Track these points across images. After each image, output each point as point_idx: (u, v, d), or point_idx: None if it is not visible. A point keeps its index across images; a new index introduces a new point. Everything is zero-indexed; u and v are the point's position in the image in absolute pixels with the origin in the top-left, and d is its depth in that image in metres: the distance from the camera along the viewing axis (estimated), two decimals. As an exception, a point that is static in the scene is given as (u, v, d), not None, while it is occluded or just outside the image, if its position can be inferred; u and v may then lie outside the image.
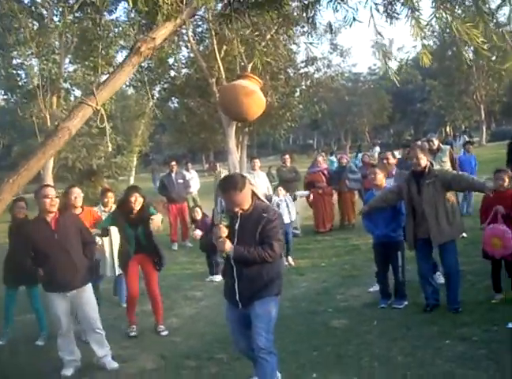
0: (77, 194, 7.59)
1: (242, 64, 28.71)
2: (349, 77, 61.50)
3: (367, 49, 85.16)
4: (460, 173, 7.70)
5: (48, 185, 6.72)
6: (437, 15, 3.84)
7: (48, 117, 19.96)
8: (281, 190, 11.52)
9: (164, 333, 7.52)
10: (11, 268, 7.27)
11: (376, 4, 3.93)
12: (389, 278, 7.78)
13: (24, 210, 7.72)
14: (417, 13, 3.81)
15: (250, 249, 4.68)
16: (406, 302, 7.55)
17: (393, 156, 8.91)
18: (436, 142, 11.80)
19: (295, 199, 11.89)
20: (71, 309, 6.40)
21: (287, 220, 10.76)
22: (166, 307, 8.21)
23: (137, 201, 7.30)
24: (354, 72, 58.63)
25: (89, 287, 6.44)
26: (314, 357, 6.13)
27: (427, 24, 4.03)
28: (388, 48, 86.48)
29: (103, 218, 7.98)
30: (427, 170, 7.05)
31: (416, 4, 3.80)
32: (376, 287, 8.06)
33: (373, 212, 7.63)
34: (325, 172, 14.25)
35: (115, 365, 6.42)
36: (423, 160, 7.08)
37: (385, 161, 8.82)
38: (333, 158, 28.57)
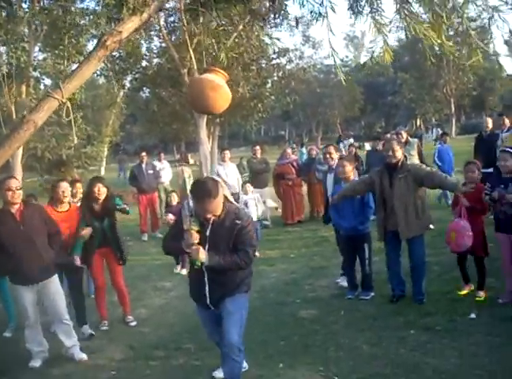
0: (65, 189, 7.32)
1: (214, 54, 28.82)
2: (321, 69, 61.67)
3: (340, 41, 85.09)
4: (433, 170, 7.74)
5: (11, 177, 6.59)
6: (398, 16, 3.93)
7: (13, 108, 19.74)
8: (249, 187, 11.63)
9: (133, 324, 7.55)
10: None
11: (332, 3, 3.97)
12: (356, 270, 7.88)
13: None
14: (378, 13, 3.90)
15: (225, 257, 4.57)
16: (373, 294, 7.64)
17: (336, 151, 8.93)
18: (405, 135, 12.01)
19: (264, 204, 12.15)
20: (38, 300, 6.37)
21: (255, 218, 10.92)
22: (134, 298, 8.26)
23: (100, 191, 7.27)
24: (326, 63, 58.68)
25: (56, 278, 6.41)
26: (282, 347, 6.22)
27: (387, 24, 4.11)
28: (360, 40, 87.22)
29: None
30: (400, 163, 7.08)
31: (377, 3, 3.88)
32: (343, 280, 8.16)
33: (340, 203, 7.69)
34: (295, 164, 14.36)
35: (84, 355, 6.43)
36: (399, 153, 7.10)
37: (327, 155, 8.75)
38: (304, 150, 28.74)
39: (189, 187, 4.80)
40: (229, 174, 13.02)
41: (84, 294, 7.65)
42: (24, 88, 22.17)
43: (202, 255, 4.50)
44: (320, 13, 4.27)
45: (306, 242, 11.90)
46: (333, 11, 4.29)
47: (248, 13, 4.17)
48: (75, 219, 7.25)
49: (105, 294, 7.66)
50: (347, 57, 76.63)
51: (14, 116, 18.72)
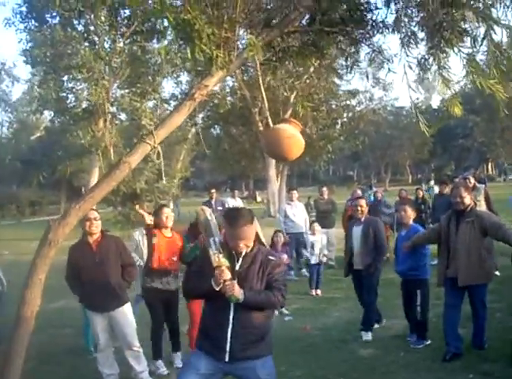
0: (168, 214, 7.29)
1: (285, 94, 29.46)
2: (391, 111, 61.66)
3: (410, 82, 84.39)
4: (500, 222, 7.17)
5: (91, 209, 6.97)
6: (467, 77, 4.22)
7: (111, 150, 20.80)
8: (317, 227, 11.85)
9: None
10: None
11: (409, 62, 4.28)
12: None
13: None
14: (445, 70, 4.19)
15: (260, 293, 4.17)
16: (427, 342, 7.52)
17: (367, 204, 8.66)
18: (472, 180, 12.02)
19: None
20: (110, 326, 6.69)
21: (316, 260, 11.26)
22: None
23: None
24: (396, 106, 58.68)
25: (126, 307, 6.67)
26: (341, 383, 6.42)
27: (454, 81, 4.38)
28: (431, 82, 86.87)
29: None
30: (469, 208, 6.92)
31: (444, 61, 4.18)
32: (366, 335, 8.08)
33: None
34: (365, 205, 14.48)
35: None
36: (467, 199, 6.91)
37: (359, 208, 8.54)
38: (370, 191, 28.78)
39: (213, 225, 4.47)
40: (296, 214, 13.17)
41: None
42: (101, 122, 23.31)
43: (237, 290, 4.04)
44: (389, 70, 4.61)
45: (370, 284, 11.97)
46: (410, 68, 4.56)
47: (323, 68, 4.50)
48: (178, 246, 7.30)
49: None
50: (417, 99, 76.20)
51: (112, 155, 19.66)
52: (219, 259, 4.09)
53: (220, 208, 14.83)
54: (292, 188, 15.14)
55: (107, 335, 6.72)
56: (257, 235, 4.42)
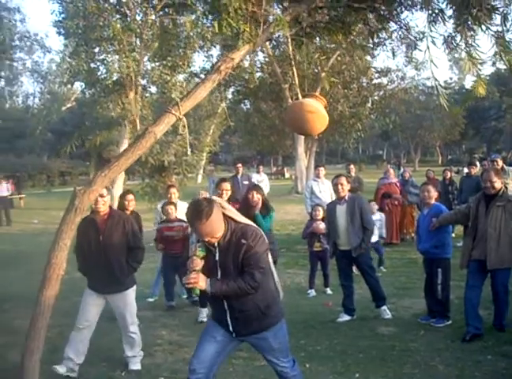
0: (225, 188, 8.12)
1: (316, 70, 29.30)
2: (423, 91, 60.91)
3: (445, 62, 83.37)
4: None
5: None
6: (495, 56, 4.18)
7: (138, 120, 20.93)
8: (375, 205, 11.87)
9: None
10: None
11: (432, 37, 4.24)
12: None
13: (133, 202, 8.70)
14: (473, 48, 4.16)
15: (229, 282, 4.14)
16: (448, 322, 7.54)
17: (348, 182, 8.19)
18: (500, 162, 11.88)
19: None
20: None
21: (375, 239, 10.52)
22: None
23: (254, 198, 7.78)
24: (428, 85, 57.90)
25: (128, 293, 6.39)
26: (360, 358, 6.46)
27: (482, 60, 4.34)
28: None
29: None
30: (500, 192, 6.85)
31: (471, 39, 4.15)
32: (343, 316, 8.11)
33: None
34: (398, 184, 14.50)
35: (138, 367, 6.46)
36: (497, 183, 6.84)
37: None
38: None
39: None
40: (323, 191, 13.17)
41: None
42: (131, 94, 23.41)
43: (202, 282, 4.09)
44: (415, 47, 4.59)
45: (393, 263, 12.02)
46: (434, 44, 4.53)
47: (349, 44, 4.50)
48: None
49: None
50: (451, 79, 75.24)
51: (138, 127, 19.86)
52: (195, 249, 4.17)
53: (245, 182, 14.89)
54: (319, 165, 15.14)
55: (94, 314, 6.34)
56: (231, 218, 4.25)
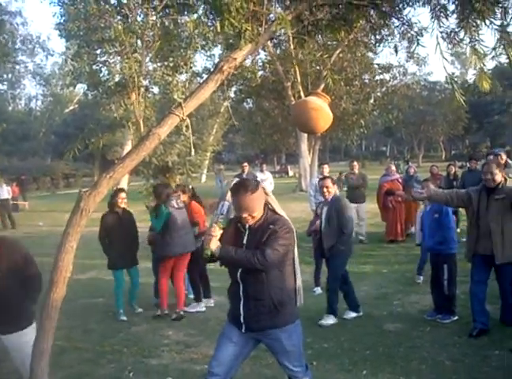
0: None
1: (318, 68, 29.27)
2: (425, 86, 60.79)
3: (446, 56, 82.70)
4: None
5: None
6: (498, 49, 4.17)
7: (141, 121, 20.97)
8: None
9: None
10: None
11: (442, 33, 4.23)
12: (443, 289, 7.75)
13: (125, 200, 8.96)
14: (478, 42, 4.16)
15: (238, 249, 4.14)
16: (454, 318, 7.53)
17: (334, 184, 8.23)
18: (504, 157, 11.82)
19: None
20: None
21: None
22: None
23: None
24: (430, 80, 57.78)
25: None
26: (367, 355, 6.47)
27: (486, 54, 4.33)
28: (468, 57, 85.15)
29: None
30: (500, 186, 6.82)
31: (475, 34, 4.14)
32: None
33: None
34: (400, 180, 14.48)
35: None
36: (498, 176, 6.82)
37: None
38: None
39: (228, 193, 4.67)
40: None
41: None
42: (134, 96, 23.40)
43: (214, 245, 4.09)
44: (418, 43, 4.59)
45: (399, 259, 12.05)
46: (443, 39, 4.51)
47: (351, 41, 4.50)
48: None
49: None
50: (453, 73, 75.02)
51: (142, 128, 19.88)
52: (217, 219, 4.32)
53: (251, 181, 14.85)
54: (324, 162, 15.09)
55: None
56: (269, 206, 4.34)
